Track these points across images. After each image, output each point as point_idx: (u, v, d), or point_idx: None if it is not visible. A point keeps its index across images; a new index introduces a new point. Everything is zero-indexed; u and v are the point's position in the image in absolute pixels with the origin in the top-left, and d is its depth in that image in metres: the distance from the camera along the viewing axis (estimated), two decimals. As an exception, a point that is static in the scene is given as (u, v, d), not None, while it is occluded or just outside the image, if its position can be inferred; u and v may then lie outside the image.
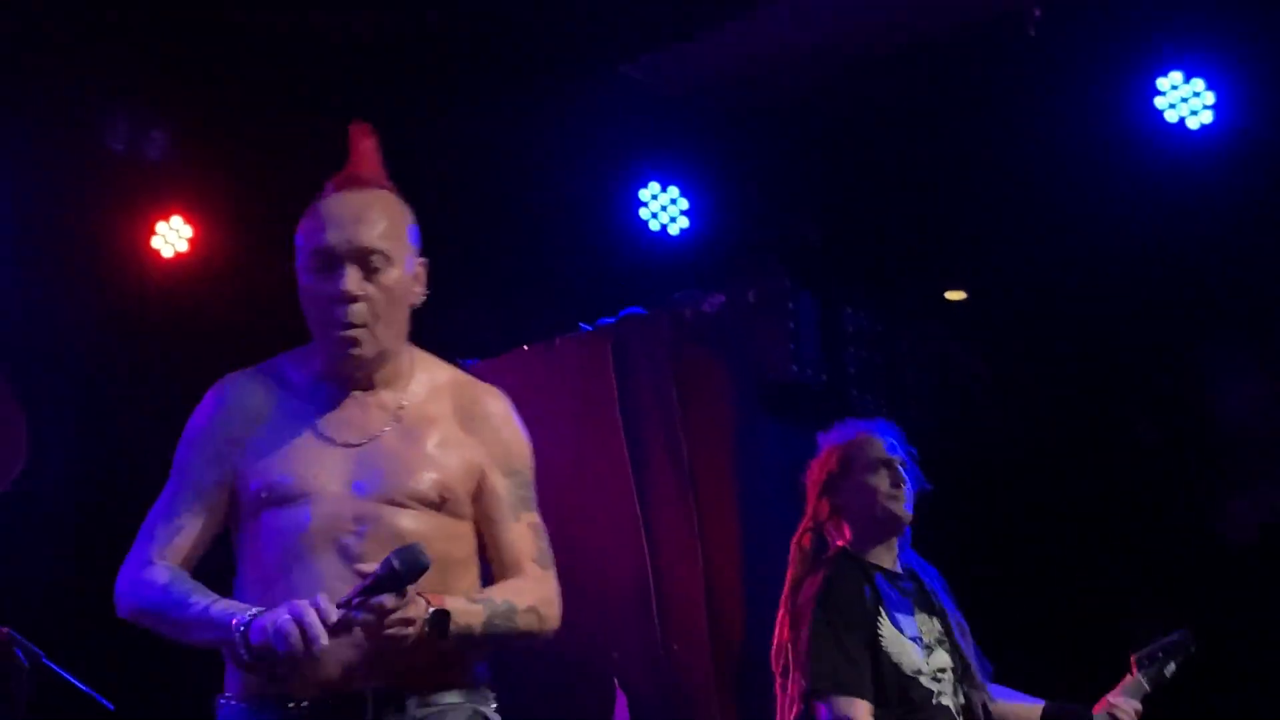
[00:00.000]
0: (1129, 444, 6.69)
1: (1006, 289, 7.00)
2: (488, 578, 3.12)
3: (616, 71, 6.45)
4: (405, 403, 3.08)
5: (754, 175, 6.90)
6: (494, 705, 3.07)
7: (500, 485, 3.10)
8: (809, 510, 4.43)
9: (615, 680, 5.77)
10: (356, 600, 2.74)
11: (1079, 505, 6.66)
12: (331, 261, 2.99)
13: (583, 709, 5.84)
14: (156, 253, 6.88)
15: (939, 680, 4.19)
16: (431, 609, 2.82)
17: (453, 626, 2.84)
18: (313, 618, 2.70)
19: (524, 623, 2.99)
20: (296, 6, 6.08)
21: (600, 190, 7.04)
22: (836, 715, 4.03)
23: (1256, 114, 6.11)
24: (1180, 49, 6.15)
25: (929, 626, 4.25)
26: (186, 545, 3.04)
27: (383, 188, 3.10)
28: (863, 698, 4.05)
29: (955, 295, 7.29)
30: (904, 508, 4.32)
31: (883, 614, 4.17)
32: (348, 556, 2.89)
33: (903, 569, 4.35)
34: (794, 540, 4.42)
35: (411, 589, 2.76)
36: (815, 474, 4.45)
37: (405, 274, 3.05)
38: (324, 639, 2.70)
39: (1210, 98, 6.13)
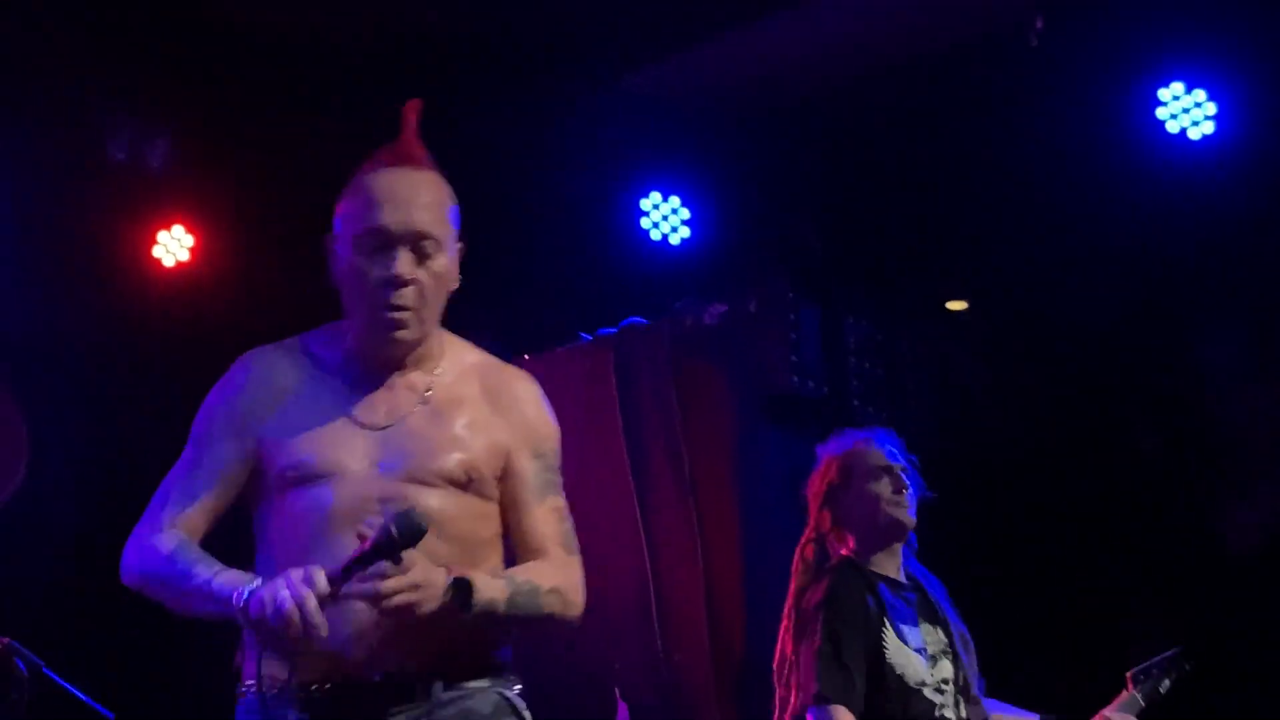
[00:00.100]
0: (1130, 451, 6.68)
1: (1008, 299, 6.99)
2: (511, 563, 3.07)
3: (618, 81, 6.45)
4: (434, 384, 3.05)
5: (755, 185, 6.90)
6: (518, 689, 3.03)
7: (526, 467, 3.07)
8: (811, 522, 4.43)
9: (616, 689, 5.77)
10: (355, 569, 2.69)
11: (1080, 511, 6.66)
12: (385, 243, 2.94)
13: (584, 717, 5.84)
14: (158, 262, 6.88)
15: (942, 692, 4.18)
16: (452, 576, 2.78)
17: (476, 599, 2.80)
18: (312, 604, 2.65)
19: (548, 604, 2.95)
20: (299, 16, 6.09)
21: (601, 199, 7.04)
22: None
23: (1258, 124, 6.11)
24: (1182, 59, 6.15)
25: (933, 637, 4.24)
26: (198, 516, 3.00)
27: (431, 168, 3.07)
28: (848, 706, 4.04)
29: (956, 305, 7.28)
30: (907, 513, 4.32)
31: (887, 624, 4.16)
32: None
33: (907, 579, 4.34)
34: (796, 551, 4.42)
35: (413, 554, 2.72)
36: (816, 485, 4.45)
37: (450, 259, 3.03)
38: (323, 628, 2.66)
39: (1212, 108, 6.13)
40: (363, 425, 2.98)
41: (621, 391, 6.07)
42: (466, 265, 3.11)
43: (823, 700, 4.04)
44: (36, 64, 6.09)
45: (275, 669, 2.86)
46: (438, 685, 2.89)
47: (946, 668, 4.22)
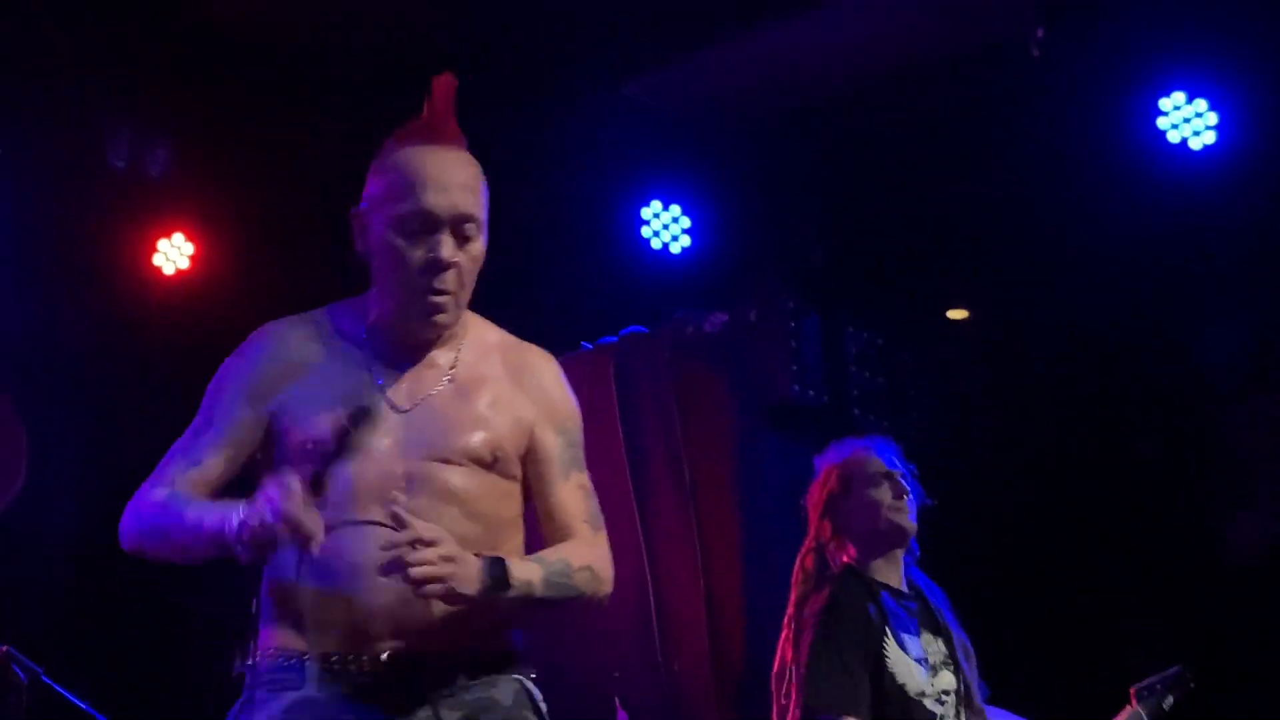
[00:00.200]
0: (1130, 459, 6.68)
1: (1008, 308, 7.00)
2: (530, 544, 3.04)
3: (618, 90, 6.46)
4: (458, 362, 3.02)
5: (756, 194, 6.90)
6: (534, 677, 3.00)
7: (551, 444, 3.05)
8: (811, 531, 4.43)
9: (616, 697, 5.76)
10: (321, 470, 2.70)
11: (1080, 518, 6.66)
12: (429, 226, 2.90)
13: (583, 727, 5.83)
14: (158, 270, 6.87)
15: (942, 703, 4.17)
16: (486, 557, 2.76)
17: (513, 580, 2.77)
18: (295, 505, 2.63)
19: (580, 582, 2.93)
20: (300, 25, 6.09)
21: (602, 208, 7.04)
22: None
23: (1259, 134, 6.12)
24: (1183, 69, 6.15)
25: (934, 647, 4.23)
26: (201, 476, 2.94)
27: (465, 146, 3.03)
28: (856, 716, 4.03)
29: (957, 314, 7.29)
30: (908, 519, 4.31)
31: (888, 634, 4.15)
32: (397, 515, 2.79)
33: (909, 587, 4.33)
34: (797, 561, 4.41)
35: (436, 529, 2.71)
36: (815, 495, 4.45)
37: (485, 239, 3.00)
38: (315, 523, 2.64)
39: (1213, 118, 6.14)
40: (388, 403, 2.93)
41: (621, 399, 6.07)
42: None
43: (830, 710, 4.03)
44: (37, 72, 6.09)
45: (292, 640, 2.83)
46: (460, 670, 2.84)
47: (947, 678, 4.21)
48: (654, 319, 6.32)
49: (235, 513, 2.71)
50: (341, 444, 2.71)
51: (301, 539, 2.65)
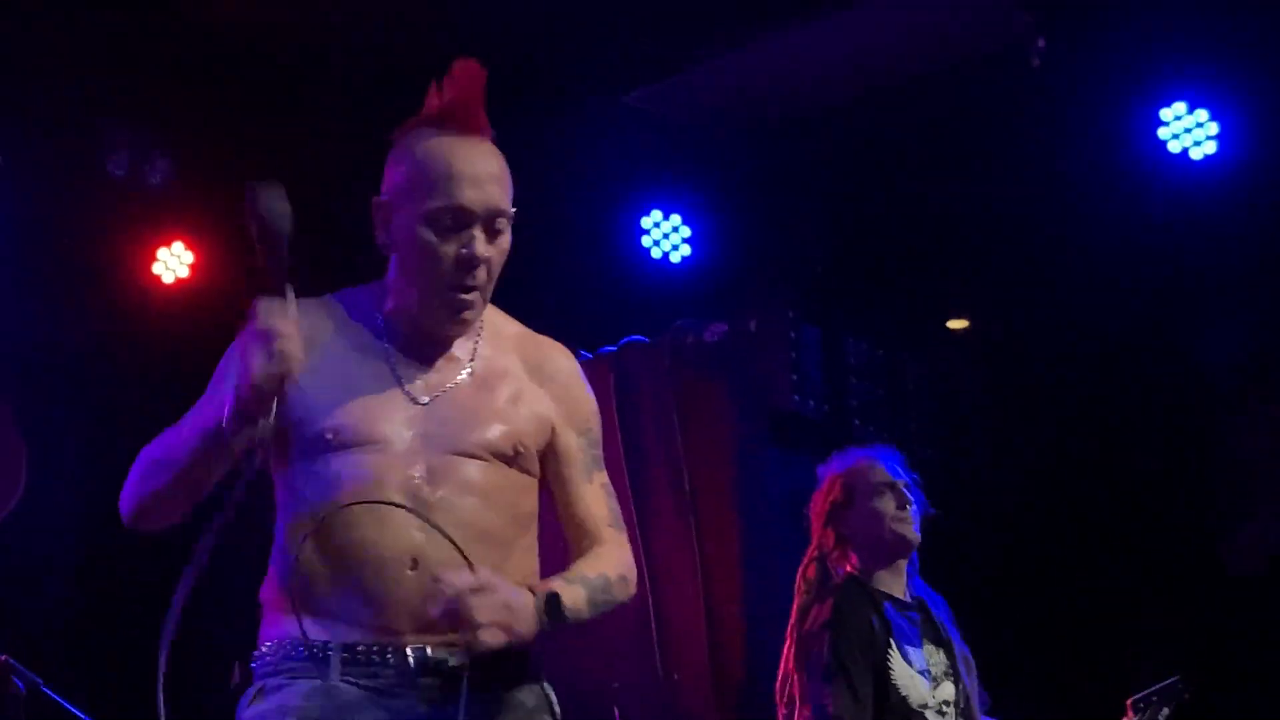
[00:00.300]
0: (1131, 469, 6.68)
1: (1009, 318, 7.00)
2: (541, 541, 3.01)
3: (619, 99, 6.46)
4: (476, 354, 2.97)
5: (756, 204, 6.90)
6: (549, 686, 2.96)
7: (573, 444, 3.02)
8: (814, 541, 4.42)
9: (616, 709, 5.75)
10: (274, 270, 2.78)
11: (1082, 527, 6.66)
12: (463, 221, 2.85)
13: (583, 738, 5.83)
14: (158, 279, 6.87)
15: (944, 714, 4.17)
16: (540, 594, 2.73)
17: (566, 610, 2.74)
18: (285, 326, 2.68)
19: (618, 593, 2.90)
20: (301, 34, 6.09)
21: (602, 218, 7.04)
22: None
23: (1260, 145, 6.12)
24: (1184, 79, 6.16)
25: (936, 659, 4.23)
26: None
27: (493, 139, 2.96)
28: None
29: (957, 324, 7.29)
30: (912, 529, 4.30)
31: (892, 645, 4.15)
32: (418, 507, 2.76)
33: (911, 598, 4.33)
34: (799, 572, 4.40)
35: (490, 575, 2.67)
36: (819, 505, 4.44)
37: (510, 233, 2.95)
38: (292, 344, 2.67)
39: (1214, 128, 6.14)
40: (408, 395, 2.89)
41: (621, 408, 6.06)
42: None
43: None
44: (36, 81, 6.09)
45: (312, 629, 2.76)
46: (484, 672, 2.76)
47: (948, 689, 4.21)
48: (654, 328, 6.32)
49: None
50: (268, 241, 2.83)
51: (283, 360, 2.66)
